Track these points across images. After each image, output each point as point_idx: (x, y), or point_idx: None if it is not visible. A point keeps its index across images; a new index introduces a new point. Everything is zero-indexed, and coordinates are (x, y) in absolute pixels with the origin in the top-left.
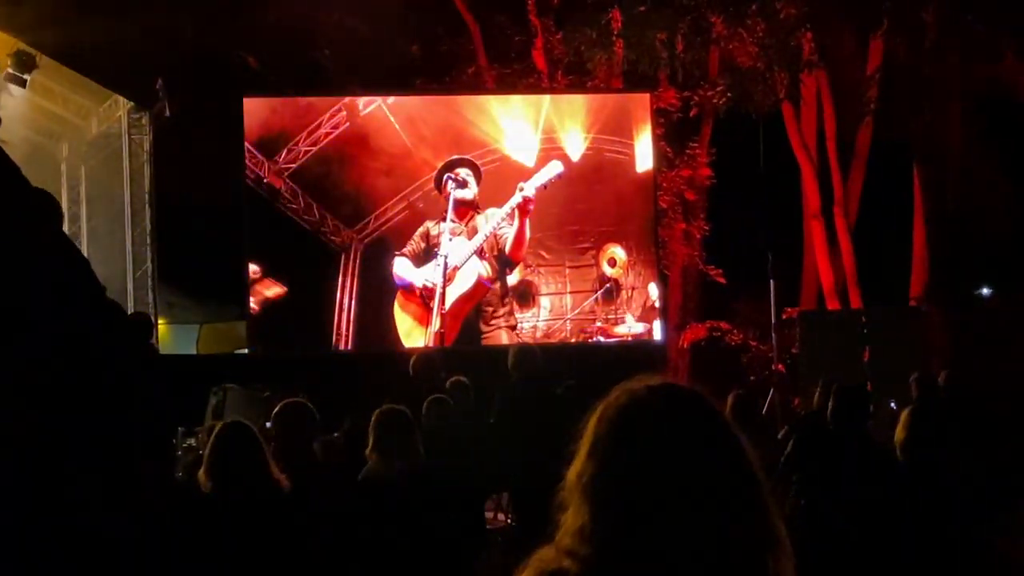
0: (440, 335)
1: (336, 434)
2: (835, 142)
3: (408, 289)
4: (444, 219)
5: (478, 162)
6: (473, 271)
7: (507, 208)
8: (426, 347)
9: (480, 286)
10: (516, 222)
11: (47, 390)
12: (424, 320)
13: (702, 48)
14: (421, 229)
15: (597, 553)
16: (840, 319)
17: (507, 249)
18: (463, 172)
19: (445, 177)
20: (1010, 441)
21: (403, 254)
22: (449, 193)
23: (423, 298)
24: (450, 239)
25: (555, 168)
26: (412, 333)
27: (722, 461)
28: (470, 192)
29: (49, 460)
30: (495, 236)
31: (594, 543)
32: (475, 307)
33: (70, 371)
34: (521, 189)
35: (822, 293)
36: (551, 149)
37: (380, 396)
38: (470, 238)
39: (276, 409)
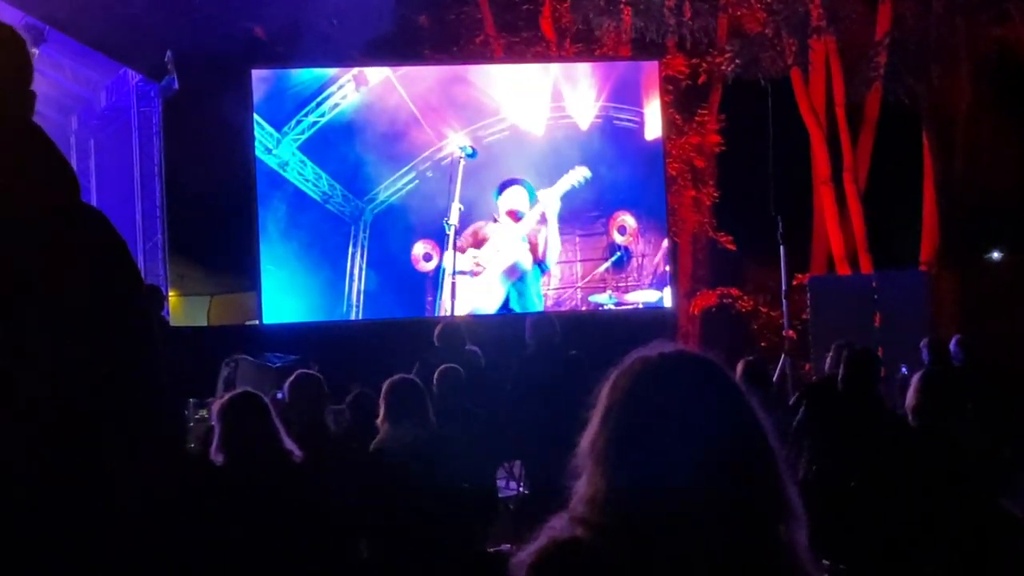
0: (452, 305)
1: (344, 405)
2: (844, 107)
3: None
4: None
5: (487, 132)
6: (511, 255)
7: (536, 216)
8: (452, 317)
9: (514, 271)
10: (546, 227)
11: (64, 363)
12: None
13: (710, 15)
14: (469, 229)
15: (609, 521)
16: (851, 285)
17: (540, 252)
18: (515, 197)
19: (458, 146)
20: (1021, 404)
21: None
22: (459, 159)
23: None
24: (462, 208)
25: (581, 173)
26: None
27: (734, 429)
28: (510, 203)
29: (58, 432)
30: (533, 243)
31: (606, 511)
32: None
33: (94, 345)
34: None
35: (832, 259)
36: (560, 118)
37: (392, 365)
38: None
39: (289, 380)
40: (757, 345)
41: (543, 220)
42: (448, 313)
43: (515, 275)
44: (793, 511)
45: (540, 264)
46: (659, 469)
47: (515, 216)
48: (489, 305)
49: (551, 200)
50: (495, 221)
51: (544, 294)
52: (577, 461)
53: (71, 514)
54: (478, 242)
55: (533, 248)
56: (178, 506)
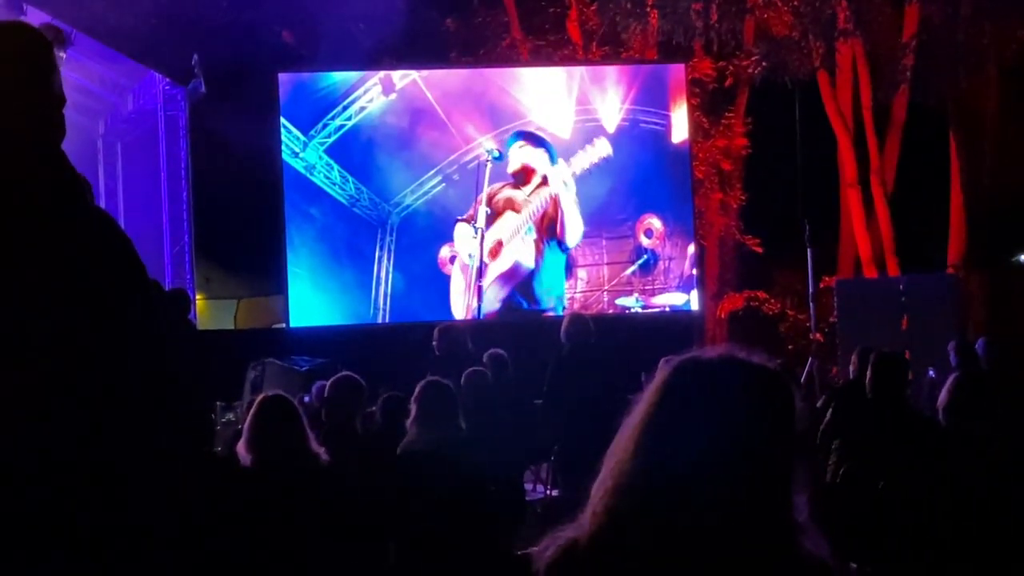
0: (477, 308)
1: (373, 407)
2: (871, 110)
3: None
4: (508, 184)
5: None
6: (512, 254)
7: (552, 189)
8: (453, 320)
9: (516, 271)
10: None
11: (86, 365)
12: (467, 292)
13: (737, 17)
14: (488, 190)
15: (607, 524)
16: (878, 287)
17: (557, 231)
18: (522, 139)
19: (485, 148)
20: None
21: (463, 219)
22: (486, 162)
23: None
24: (488, 211)
25: (599, 152)
26: (457, 304)
27: (754, 442)
28: (526, 158)
29: (85, 435)
30: (544, 215)
31: (608, 514)
32: (519, 284)
33: (112, 351)
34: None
35: (859, 262)
36: (586, 121)
37: (418, 369)
38: (519, 210)
39: (331, 381)
40: (784, 348)
41: (555, 203)
42: (475, 315)
43: (516, 278)
44: (804, 526)
45: (560, 243)
46: (677, 471)
47: (527, 173)
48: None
49: (559, 180)
50: (512, 186)
51: (571, 297)
52: (605, 456)
53: (79, 510)
54: (492, 208)
55: (550, 224)
56: (203, 506)
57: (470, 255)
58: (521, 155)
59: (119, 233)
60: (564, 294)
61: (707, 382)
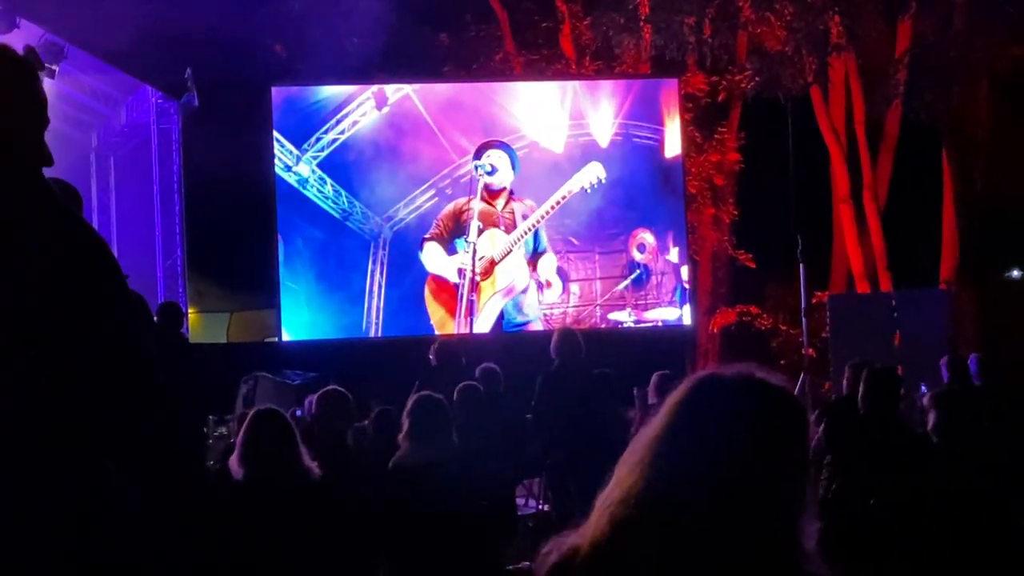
0: (469, 322)
1: (366, 421)
2: (864, 125)
3: (440, 278)
4: (474, 198)
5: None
6: (508, 274)
7: (547, 206)
8: (447, 334)
9: (511, 290)
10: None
11: (72, 380)
12: (455, 308)
13: (730, 32)
14: (450, 208)
15: (611, 533)
16: (870, 303)
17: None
18: (494, 155)
19: (475, 164)
20: None
21: (432, 238)
22: (478, 178)
23: (456, 285)
24: (480, 225)
25: (591, 174)
26: (445, 323)
27: (768, 467)
28: (500, 176)
29: (76, 452)
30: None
31: (612, 523)
32: (511, 300)
33: (94, 361)
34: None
35: (852, 277)
36: (579, 135)
37: (410, 383)
38: (508, 229)
39: (318, 394)
40: (777, 363)
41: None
42: (467, 331)
43: (510, 295)
44: (809, 552)
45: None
46: (685, 487)
47: (490, 190)
48: (485, 323)
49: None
50: (473, 196)
51: (564, 311)
52: (616, 466)
53: (76, 509)
54: (462, 225)
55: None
56: (191, 520)
57: (460, 272)
58: (490, 177)
59: (96, 238)
60: (538, 307)
61: (725, 400)
